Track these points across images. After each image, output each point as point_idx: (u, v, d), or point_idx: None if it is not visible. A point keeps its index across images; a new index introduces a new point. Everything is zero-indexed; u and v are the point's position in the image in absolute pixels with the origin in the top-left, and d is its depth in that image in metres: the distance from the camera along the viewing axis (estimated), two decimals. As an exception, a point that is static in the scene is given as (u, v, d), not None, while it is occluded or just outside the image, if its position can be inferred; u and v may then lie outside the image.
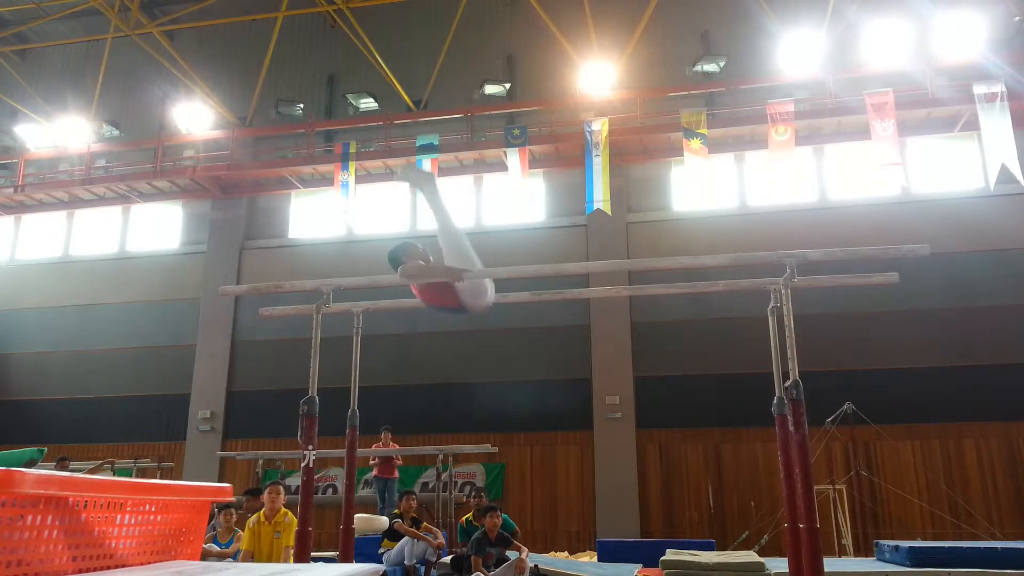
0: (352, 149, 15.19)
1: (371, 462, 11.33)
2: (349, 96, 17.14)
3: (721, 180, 14.75)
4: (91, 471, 11.02)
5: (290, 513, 6.98)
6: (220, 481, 13.15)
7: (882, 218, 13.54)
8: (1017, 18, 14.43)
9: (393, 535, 8.57)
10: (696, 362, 13.74)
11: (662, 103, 15.28)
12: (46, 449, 4.82)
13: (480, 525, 7.96)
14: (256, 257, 16.07)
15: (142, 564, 2.21)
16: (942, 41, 14.01)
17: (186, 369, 15.52)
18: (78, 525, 1.98)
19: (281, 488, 7.11)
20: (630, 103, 15.10)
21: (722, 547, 11.32)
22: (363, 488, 14.04)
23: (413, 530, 8.35)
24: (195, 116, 16.87)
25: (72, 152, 17.59)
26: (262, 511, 6.96)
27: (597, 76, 14.94)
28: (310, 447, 4.79)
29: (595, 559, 10.65)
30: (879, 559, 8.18)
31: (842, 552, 11.37)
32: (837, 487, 11.70)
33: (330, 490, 14.18)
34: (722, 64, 15.54)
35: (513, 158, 14.32)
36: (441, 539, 8.67)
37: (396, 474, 11.36)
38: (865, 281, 5.36)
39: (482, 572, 7.30)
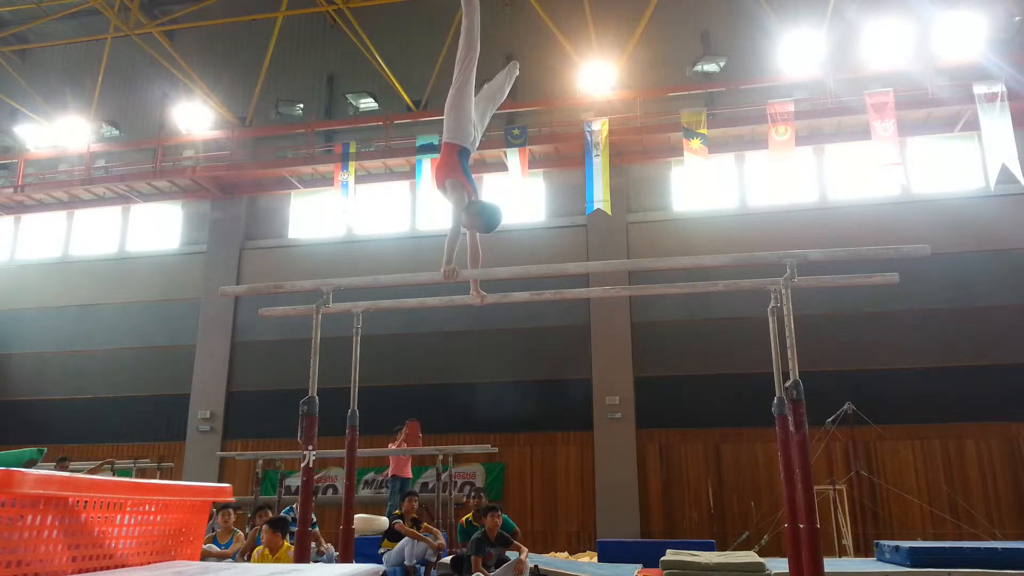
0: (352, 149, 15.20)
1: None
2: (349, 96, 17.15)
3: (721, 180, 14.75)
4: (91, 471, 11.01)
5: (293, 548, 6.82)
6: (220, 481, 13.15)
7: (882, 218, 13.54)
8: (1017, 18, 14.43)
9: (393, 535, 8.57)
10: (696, 362, 13.74)
11: (662, 103, 15.28)
12: (46, 449, 4.81)
13: (480, 525, 7.96)
14: (256, 257, 16.06)
15: (142, 564, 2.21)
16: (942, 41, 14.00)
17: (186, 369, 15.52)
18: (78, 525, 1.98)
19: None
20: (630, 103, 15.11)
21: (722, 547, 11.31)
22: (363, 488, 14.07)
23: (413, 531, 8.35)
24: (195, 116, 16.87)
25: (72, 152, 17.59)
26: (266, 549, 6.71)
27: (597, 76, 14.94)
28: (310, 447, 4.79)
29: (595, 559, 10.65)
30: (879, 559, 8.17)
31: (842, 552, 11.37)
32: (837, 487, 11.70)
33: (330, 490, 14.18)
34: (722, 64, 15.54)
35: (513, 158, 14.33)
36: (441, 540, 8.66)
37: (410, 474, 11.39)
38: (865, 281, 5.35)
39: (482, 572, 7.29)
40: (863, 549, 11.59)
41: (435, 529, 8.85)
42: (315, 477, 5.30)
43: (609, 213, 13.86)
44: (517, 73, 5.26)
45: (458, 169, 4.68)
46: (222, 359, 15.46)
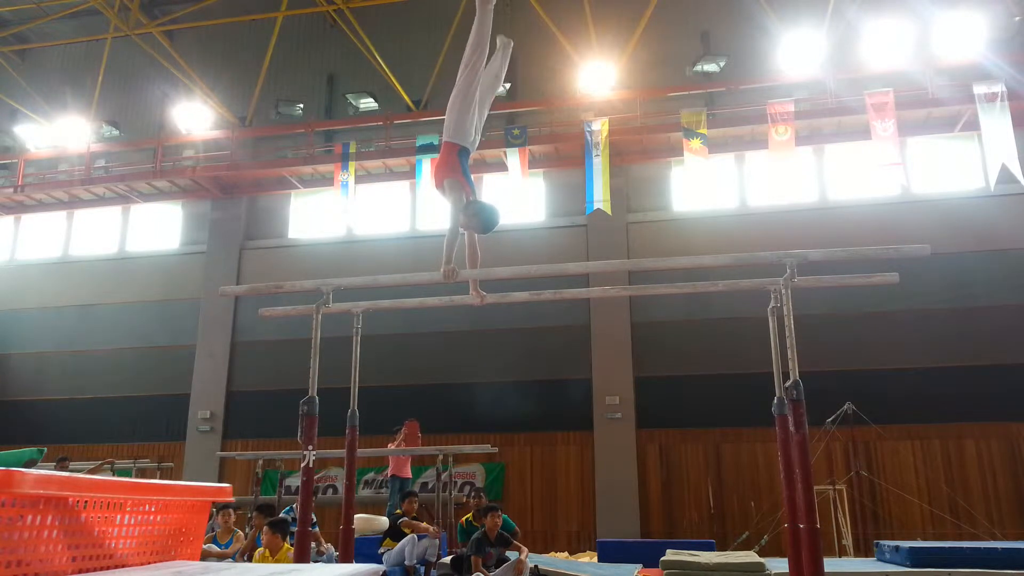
0: (352, 149, 15.20)
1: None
2: (349, 96, 17.15)
3: (721, 180, 14.75)
4: (91, 471, 11.01)
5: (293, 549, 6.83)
6: (220, 481, 13.15)
7: (882, 218, 13.54)
8: (1017, 18, 14.43)
9: (394, 535, 8.56)
10: (696, 362, 13.74)
11: (662, 103, 15.28)
12: (46, 449, 4.81)
13: (480, 525, 7.97)
14: (256, 257, 16.07)
15: (142, 564, 2.21)
16: (942, 41, 14.01)
17: (186, 369, 15.52)
18: (78, 525, 1.98)
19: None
20: (630, 103, 15.11)
21: (722, 547, 11.31)
22: (363, 488, 14.06)
23: (416, 523, 8.37)
24: (195, 116, 16.87)
25: (72, 152, 17.60)
26: (266, 550, 6.71)
27: (597, 76, 14.94)
28: (310, 447, 4.78)
29: (595, 559, 10.65)
30: (879, 559, 8.17)
31: (842, 552, 11.37)
32: (837, 487, 11.70)
33: (330, 490, 14.18)
34: (722, 64, 15.55)
35: (513, 158, 14.33)
36: (438, 532, 8.70)
37: (410, 474, 11.39)
38: (865, 281, 5.34)
39: (482, 572, 7.30)
40: (863, 549, 11.59)
41: (432, 527, 8.86)
42: (315, 477, 5.30)
43: (609, 213, 13.86)
44: (511, 49, 5.19)
45: (457, 169, 4.69)
46: (222, 359, 15.46)
